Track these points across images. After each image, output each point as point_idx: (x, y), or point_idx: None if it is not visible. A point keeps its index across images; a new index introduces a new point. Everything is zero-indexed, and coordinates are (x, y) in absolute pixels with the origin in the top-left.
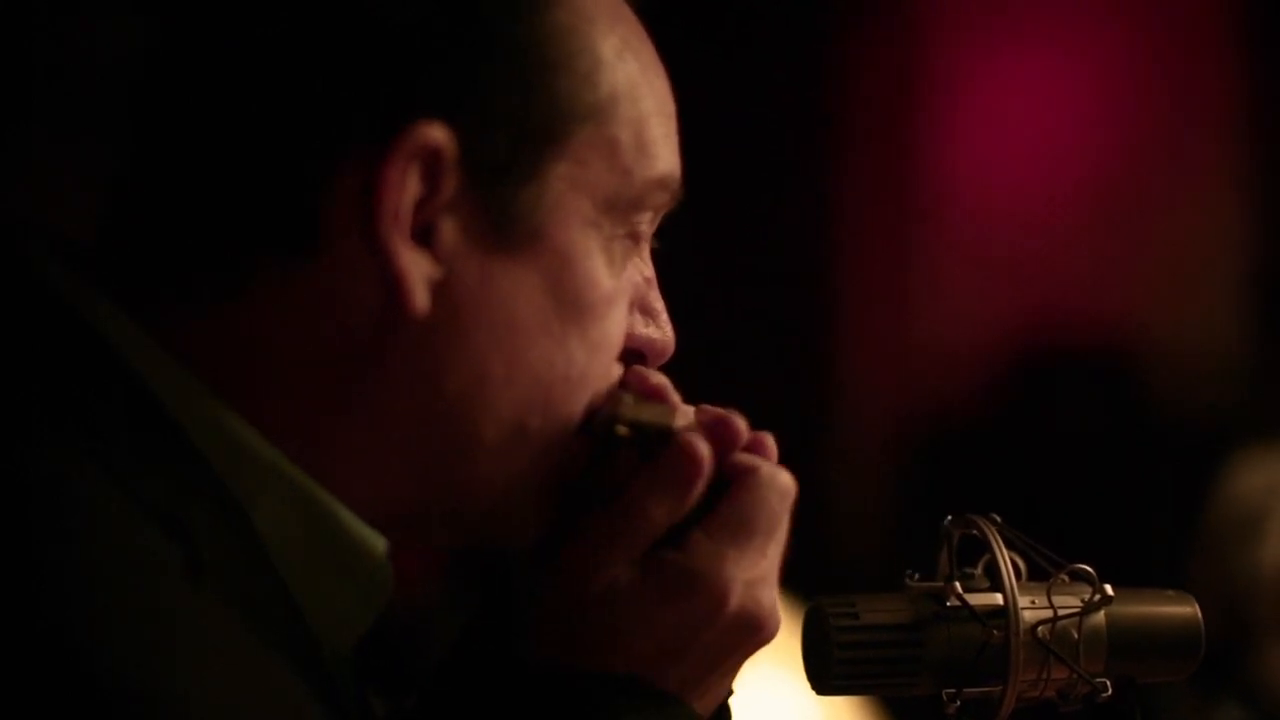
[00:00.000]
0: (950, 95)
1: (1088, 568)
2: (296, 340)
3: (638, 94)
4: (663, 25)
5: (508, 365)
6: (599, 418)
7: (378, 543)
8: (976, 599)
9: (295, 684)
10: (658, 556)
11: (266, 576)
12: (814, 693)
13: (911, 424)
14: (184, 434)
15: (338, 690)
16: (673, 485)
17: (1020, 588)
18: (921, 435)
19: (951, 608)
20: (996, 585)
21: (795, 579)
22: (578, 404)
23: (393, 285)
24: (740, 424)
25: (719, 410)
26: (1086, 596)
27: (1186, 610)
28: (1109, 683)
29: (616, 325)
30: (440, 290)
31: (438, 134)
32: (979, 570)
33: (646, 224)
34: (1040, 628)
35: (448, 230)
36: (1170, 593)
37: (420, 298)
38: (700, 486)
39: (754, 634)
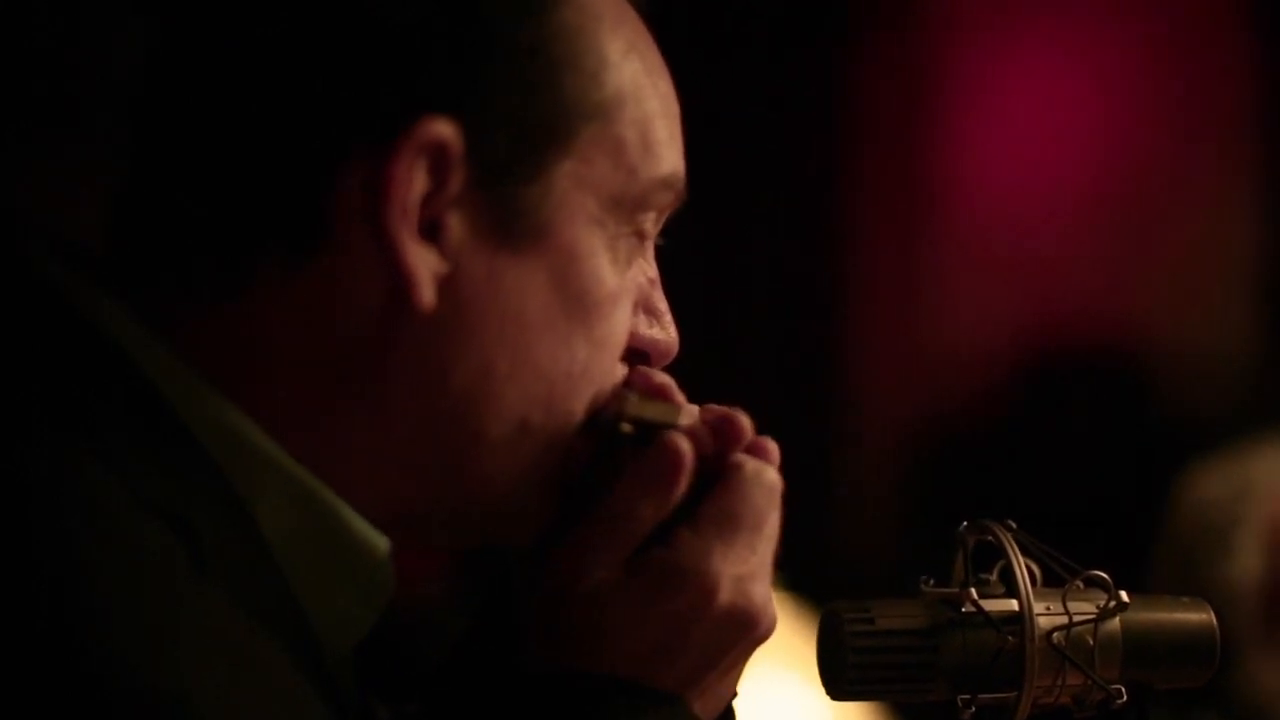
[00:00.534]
0: (960, 98)
1: (1103, 574)
2: (300, 337)
3: (643, 94)
4: (668, 26)
5: (512, 361)
6: (603, 414)
7: (380, 542)
8: (992, 605)
9: (297, 683)
10: (644, 555)
11: (269, 575)
12: (828, 698)
13: (921, 427)
14: (187, 431)
15: (339, 690)
16: (656, 483)
17: (1035, 594)
18: (930, 438)
19: (967, 614)
20: (1012, 591)
21: (805, 583)
22: (581, 401)
23: (400, 280)
24: (744, 421)
25: (723, 409)
26: (1102, 603)
27: (1202, 617)
28: (1124, 689)
29: (621, 323)
30: (446, 286)
31: (444, 129)
32: (994, 576)
33: (651, 224)
34: (1055, 634)
35: (454, 226)
36: (1185, 599)
37: (428, 293)
38: (683, 484)
39: (748, 630)
